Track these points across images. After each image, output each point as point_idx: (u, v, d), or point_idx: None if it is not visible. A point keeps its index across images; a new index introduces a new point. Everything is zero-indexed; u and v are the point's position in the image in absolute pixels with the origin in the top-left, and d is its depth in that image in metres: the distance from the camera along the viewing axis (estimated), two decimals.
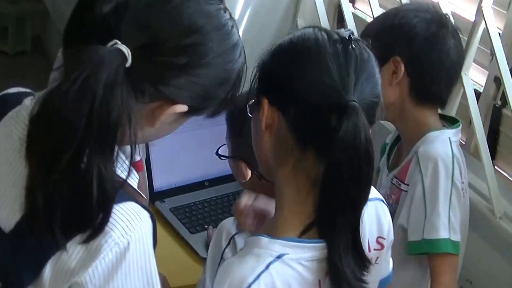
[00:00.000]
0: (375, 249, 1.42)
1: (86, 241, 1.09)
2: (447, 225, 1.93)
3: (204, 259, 1.97)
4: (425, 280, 2.07)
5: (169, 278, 2.11)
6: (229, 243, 1.63)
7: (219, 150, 1.68)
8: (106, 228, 1.10)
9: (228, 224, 1.67)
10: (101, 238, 1.10)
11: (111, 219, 1.10)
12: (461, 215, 1.99)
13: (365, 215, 1.26)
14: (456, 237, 1.95)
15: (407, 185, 2.02)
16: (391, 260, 1.53)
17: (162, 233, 2.36)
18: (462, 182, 2.00)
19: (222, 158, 1.67)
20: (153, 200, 2.47)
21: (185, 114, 1.18)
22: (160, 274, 1.82)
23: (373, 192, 1.39)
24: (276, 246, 1.22)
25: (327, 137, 1.18)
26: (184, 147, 2.49)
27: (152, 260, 1.16)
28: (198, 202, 2.50)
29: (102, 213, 1.08)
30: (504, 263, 2.32)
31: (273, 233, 1.25)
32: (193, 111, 1.17)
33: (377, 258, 1.43)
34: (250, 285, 1.20)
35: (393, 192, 2.07)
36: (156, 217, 2.31)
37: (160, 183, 2.47)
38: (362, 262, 1.25)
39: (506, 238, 2.29)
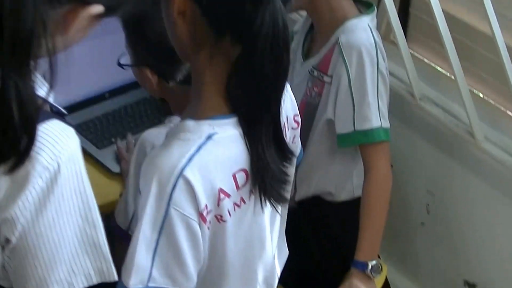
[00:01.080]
0: (292, 128, 1.41)
1: (11, 170, 0.99)
2: (378, 114, 1.93)
3: (117, 174, 1.95)
4: (354, 170, 2.06)
5: None
6: None
7: (120, 59, 1.60)
8: (32, 153, 1.00)
9: (151, 136, 1.57)
10: (27, 165, 1.00)
11: (36, 142, 1.00)
12: (387, 100, 1.98)
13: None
14: (386, 123, 1.95)
15: (331, 76, 1.97)
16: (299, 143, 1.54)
17: None
18: (386, 68, 1.97)
19: (124, 67, 1.59)
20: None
21: (98, 17, 1.09)
22: None
23: None
24: (205, 127, 1.19)
25: (243, 25, 1.16)
26: (79, 60, 2.32)
27: (86, 180, 1.08)
28: (101, 116, 2.35)
29: (26, 136, 0.98)
30: (426, 144, 2.35)
31: (198, 116, 1.21)
32: (107, 11, 1.09)
33: (294, 137, 1.42)
34: (182, 169, 1.15)
35: (315, 85, 2.03)
36: None
37: (58, 100, 2.31)
38: (284, 154, 1.25)
39: (426, 119, 2.31)
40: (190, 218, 1.17)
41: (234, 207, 1.25)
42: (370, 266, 1.93)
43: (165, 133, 1.39)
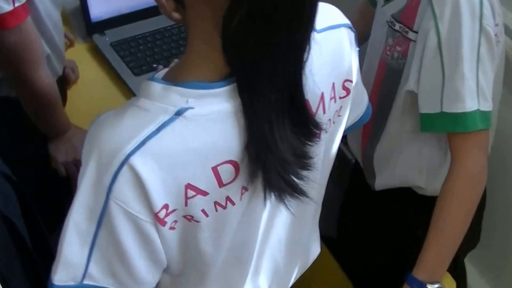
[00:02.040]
0: (340, 98, 1.07)
1: None
2: (475, 91, 1.37)
3: None
4: (446, 160, 1.54)
5: None
6: None
7: None
8: None
9: None
10: None
11: None
12: (493, 73, 1.43)
13: (325, 52, 0.98)
14: (487, 105, 1.38)
15: (416, 32, 1.43)
16: (364, 92, 1.21)
17: (99, 75, 1.87)
18: (496, 25, 1.41)
19: None
20: (91, 32, 1.95)
21: None
22: (85, 132, 1.50)
23: (336, 16, 1.06)
24: (174, 97, 0.88)
25: None
26: None
27: None
28: (147, 34, 1.97)
29: None
30: None
31: (172, 77, 0.91)
32: None
33: (340, 108, 1.09)
34: (129, 155, 0.86)
35: (398, 42, 1.48)
36: (94, 54, 1.91)
37: (98, 11, 1.94)
38: (306, 129, 0.93)
39: None
40: (138, 217, 0.90)
41: (215, 207, 0.95)
42: None
43: None
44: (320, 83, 0.97)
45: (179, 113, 0.87)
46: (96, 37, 1.93)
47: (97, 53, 1.91)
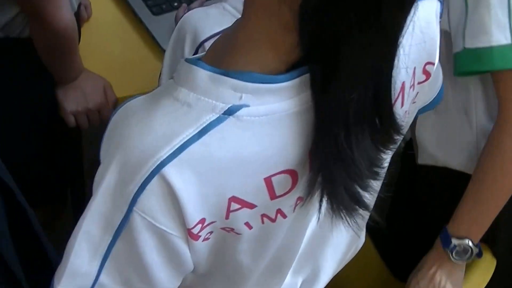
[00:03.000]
0: (418, 83, 0.90)
1: None
2: (506, 22, 1.15)
3: None
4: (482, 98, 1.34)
5: (118, 82, 1.51)
6: (196, 53, 1.10)
7: None
8: None
9: (194, 18, 1.14)
10: None
11: None
12: None
13: (416, 31, 0.80)
14: None
15: None
16: (440, 71, 1.02)
17: (113, 13, 1.70)
18: None
19: None
20: None
21: None
22: (100, 78, 1.41)
23: None
24: (225, 90, 0.70)
25: None
26: None
27: None
28: None
29: None
30: None
31: (224, 63, 0.71)
32: None
33: (416, 94, 0.92)
34: (162, 163, 0.69)
35: None
36: None
37: None
38: (387, 137, 0.75)
39: None
40: (166, 231, 0.74)
41: (261, 219, 0.78)
42: (453, 244, 1.31)
43: (214, 15, 1.10)
44: (403, 71, 0.80)
45: (230, 112, 0.69)
46: None
47: None
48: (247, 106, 0.69)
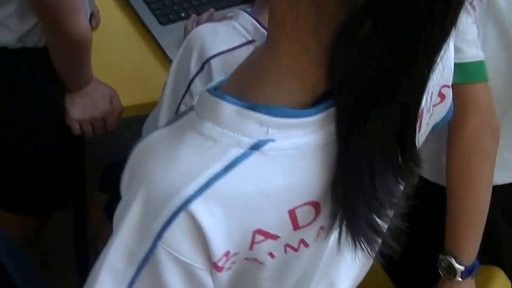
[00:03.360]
0: (433, 105, 0.91)
1: None
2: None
3: None
4: None
5: (124, 91, 1.52)
6: (201, 69, 1.12)
7: None
8: None
9: (203, 33, 1.15)
10: None
11: None
12: None
13: None
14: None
15: None
16: (451, 94, 1.00)
17: (121, 22, 1.71)
18: None
19: None
20: None
21: None
22: (107, 87, 1.42)
23: None
24: (252, 125, 0.69)
25: None
26: None
27: None
28: None
29: None
30: None
31: (249, 95, 0.71)
32: None
33: (431, 116, 0.92)
34: (188, 200, 0.68)
35: None
36: None
37: None
38: (407, 170, 0.75)
39: None
40: (191, 265, 0.73)
41: (284, 249, 0.78)
42: (439, 261, 1.33)
43: (223, 33, 1.12)
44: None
45: (255, 146, 0.68)
46: None
47: None
48: (273, 140, 0.68)
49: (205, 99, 0.71)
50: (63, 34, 1.34)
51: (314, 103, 0.69)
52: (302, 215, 0.74)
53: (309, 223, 0.76)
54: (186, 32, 1.55)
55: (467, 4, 1.24)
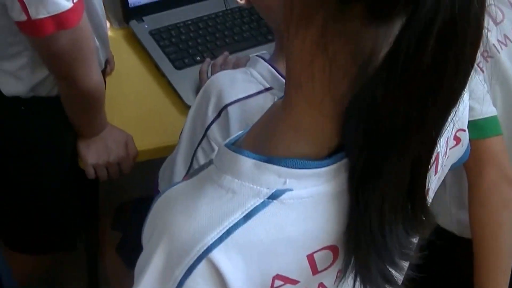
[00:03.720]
0: (450, 148, 0.93)
1: None
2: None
3: None
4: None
5: (139, 136, 1.52)
6: (218, 115, 1.14)
7: None
8: None
9: (221, 81, 1.16)
10: None
11: None
12: None
13: None
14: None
15: None
16: (467, 136, 1.01)
17: (136, 66, 1.72)
18: None
19: None
20: (128, 19, 1.79)
21: None
22: (122, 133, 1.43)
23: None
24: (270, 177, 0.72)
25: None
26: None
27: None
28: (189, 22, 1.80)
29: None
30: None
31: (266, 149, 0.74)
32: None
33: (447, 158, 0.94)
34: (209, 249, 0.71)
35: None
36: (131, 42, 1.75)
37: None
38: (418, 222, 0.76)
39: None
40: None
41: None
42: None
43: (240, 80, 1.13)
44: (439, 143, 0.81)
45: (274, 196, 0.71)
46: (133, 24, 1.78)
47: (134, 40, 1.76)
48: (291, 190, 0.71)
49: (224, 154, 0.73)
50: (74, 86, 1.35)
51: (329, 153, 0.72)
52: (321, 260, 0.76)
53: (328, 267, 0.77)
54: (201, 76, 1.55)
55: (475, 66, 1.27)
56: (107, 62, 1.59)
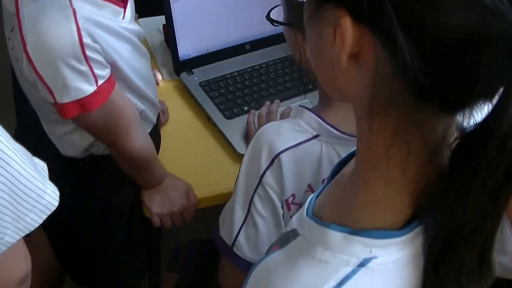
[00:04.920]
0: None
1: None
2: None
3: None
4: None
5: (197, 183, 1.61)
6: (271, 163, 1.23)
7: (271, 12, 1.25)
8: None
9: (270, 131, 1.26)
10: None
11: None
12: None
13: None
14: None
15: None
16: None
17: (188, 116, 1.82)
18: None
19: (274, 24, 1.24)
20: (178, 71, 1.90)
21: None
22: (183, 182, 1.52)
23: None
24: (358, 247, 0.78)
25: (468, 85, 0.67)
26: (217, 2, 1.88)
27: None
28: (237, 73, 1.91)
29: None
30: None
31: (348, 222, 0.80)
32: None
33: None
34: None
35: None
36: (182, 94, 1.86)
37: (186, 48, 1.89)
38: (484, 285, 0.81)
39: None
40: None
41: None
42: None
43: (288, 130, 1.23)
44: None
45: (362, 264, 0.77)
46: (183, 76, 1.89)
47: (185, 92, 1.87)
48: (376, 257, 0.77)
49: (312, 228, 0.81)
50: (117, 151, 1.43)
51: (405, 223, 0.78)
52: None
53: None
54: (249, 126, 1.66)
55: None
56: (160, 114, 1.67)
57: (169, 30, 1.83)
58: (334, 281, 0.76)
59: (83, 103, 1.26)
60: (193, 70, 1.90)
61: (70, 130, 1.44)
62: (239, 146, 1.66)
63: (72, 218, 1.57)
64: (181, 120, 1.80)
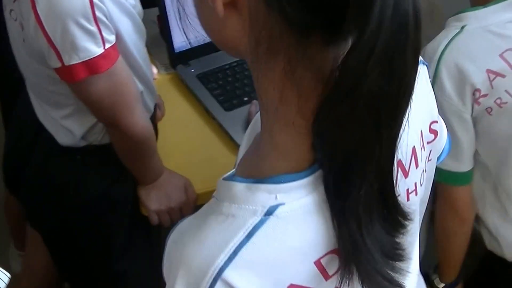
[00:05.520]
0: (428, 142, 0.99)
1: None
2: None
3: None
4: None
5: (195, 178, 1.55)
6: None
7: None
8: None
9: None
10: None
11: None
12: None
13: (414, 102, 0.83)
14: None
15: None
16: (444, 127, 1.08)
17: (186, 110, 1.76)
18: None
19: None
20: (174, 64, 1.84)
21: None
22: (181, 178, 1.46)
23: None
24: (262, 196, 0.79)
25: (356, 11, 0.69)
26: None
27: None
28: (234, 64, 1.85)
29: None
30: None
31: (255, 173, 0.81)
32: None
33: (430, 152, 1.01)
34: (221, 270, 0.77)
35: None
36: (179, 86, 1.79)
37: (182, 39, 1.82)
38: (396, 222, 0.82)
39: None
40: None
41: None
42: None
43: None
44: (410, 137, 0.88)
45: (269, 212, 0.77)
46: (180, 68, 1.83)
47: (181, 85, 1.81)
48: (283, 204, 0.77)
49: (220, 185, 0.80)
50: (120, 132, 1.39)
51: (311, 165, 0.78)
52: (328, 264, 0.81)
53: (338, 269, 0.82)
54: (250, 117, 1.60)
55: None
56: (156, 107, 1.62)
57: (163, 21, 1.77)
58: (242, 233, 0.76)
59: (90, 64, 1.26)
60: (190, 62, 1.84)
61: (67, 114, 1.42)
62: (240, 138, 1.60)
63: (71, 219, 1.53)
64: (179, 114, 1.75)
